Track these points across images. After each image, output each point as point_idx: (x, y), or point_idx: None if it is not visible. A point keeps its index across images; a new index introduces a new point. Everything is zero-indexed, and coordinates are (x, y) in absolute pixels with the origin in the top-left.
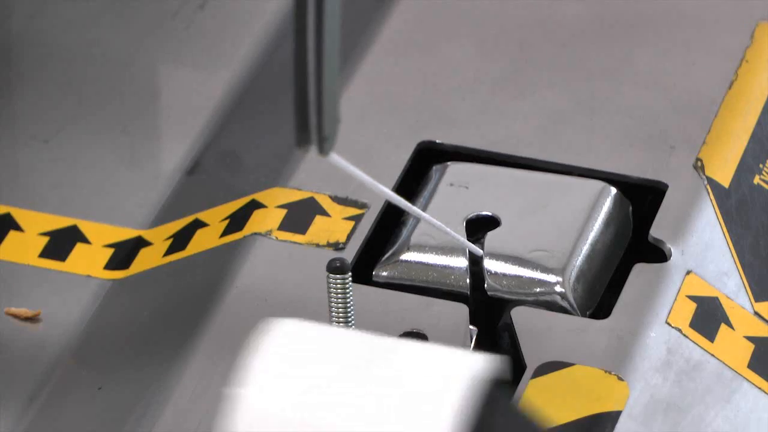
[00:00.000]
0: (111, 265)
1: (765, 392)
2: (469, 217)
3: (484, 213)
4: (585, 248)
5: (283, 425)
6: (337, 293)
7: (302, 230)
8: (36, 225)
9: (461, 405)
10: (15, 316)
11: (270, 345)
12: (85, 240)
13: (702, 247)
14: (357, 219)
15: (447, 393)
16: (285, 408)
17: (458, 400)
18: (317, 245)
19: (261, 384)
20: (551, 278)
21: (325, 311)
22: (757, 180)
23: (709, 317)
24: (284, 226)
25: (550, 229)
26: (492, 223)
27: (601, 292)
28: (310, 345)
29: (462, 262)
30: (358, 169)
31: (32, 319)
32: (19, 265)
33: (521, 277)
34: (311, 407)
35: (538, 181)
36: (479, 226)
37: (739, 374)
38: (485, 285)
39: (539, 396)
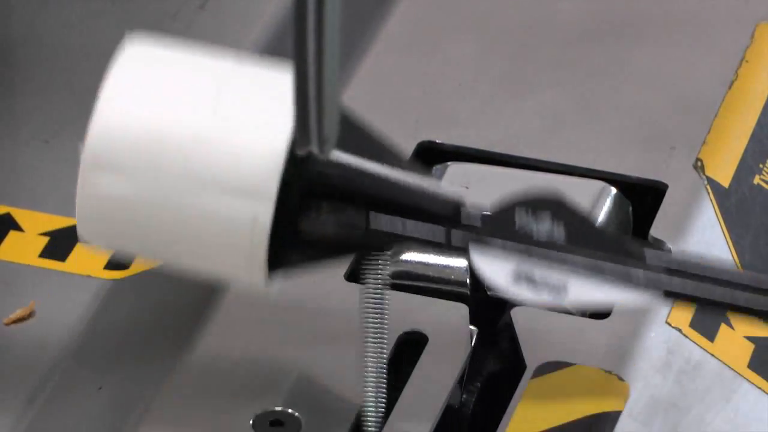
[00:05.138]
0: (111, 265)
1: (765, 392)
2: None
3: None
4: None
5: (132, 136)
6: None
7: None
8: (36, 225)
9: None
10: (16, 321)
11: (125, 63)
12: None
13: (702, 247)
14: None
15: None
16: (136, 120)
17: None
18: None
19: (114, 97)
20: None
21: (325, 312)
22: (757, 180)
23: (709, 317)
24: None
25: None
26: None
27: None
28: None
29: (462, 262)
30: None
31: (30, 315)
32: (19, 265)
33: None
34: (163, 120)
35: (538, 181)
36: None
37: (739, 374)
38: (485, 285)
39: (539, 396)
